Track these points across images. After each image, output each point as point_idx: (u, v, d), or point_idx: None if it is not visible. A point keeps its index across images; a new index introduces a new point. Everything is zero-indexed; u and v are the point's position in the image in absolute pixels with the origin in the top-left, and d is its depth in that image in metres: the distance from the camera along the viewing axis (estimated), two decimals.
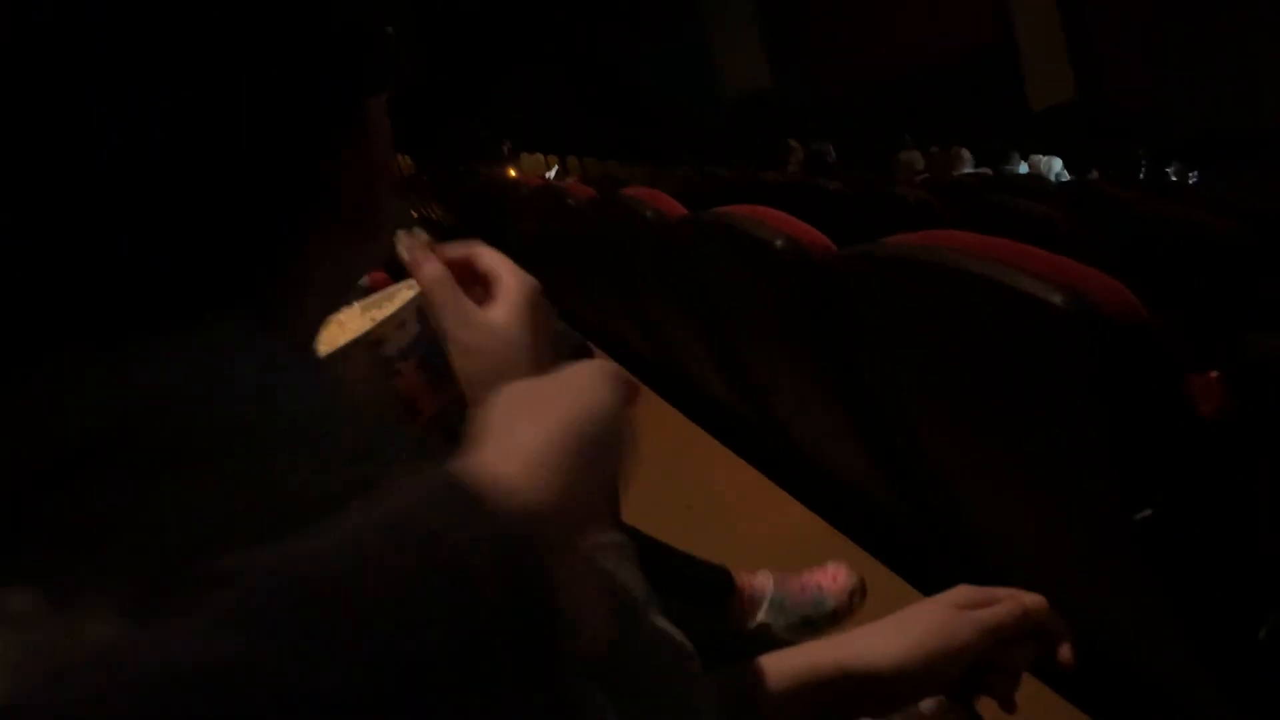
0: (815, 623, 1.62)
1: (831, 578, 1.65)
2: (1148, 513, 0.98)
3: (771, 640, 1.10)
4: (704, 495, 2.13)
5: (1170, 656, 1.15)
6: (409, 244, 0.67)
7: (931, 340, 1.25)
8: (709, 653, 0.67)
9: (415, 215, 8.43)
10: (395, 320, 0.71)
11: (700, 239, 1.94)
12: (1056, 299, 0.99)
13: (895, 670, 0.64)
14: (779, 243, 1.55)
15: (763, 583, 1.63)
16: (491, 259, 0.65)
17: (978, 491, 1.38)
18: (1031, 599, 0.68)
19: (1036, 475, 1.18)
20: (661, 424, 2.61)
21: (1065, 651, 0.68)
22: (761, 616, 1.62)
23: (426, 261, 0.64)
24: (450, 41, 11.51)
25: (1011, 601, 0.67)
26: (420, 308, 0.84)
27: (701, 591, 1.58)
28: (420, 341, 0.73)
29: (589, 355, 1.54)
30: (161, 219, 0.40)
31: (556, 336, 0.66)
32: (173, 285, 0.41)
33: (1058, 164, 7.33)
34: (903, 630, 0.66)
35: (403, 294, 0.77)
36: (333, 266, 0.48)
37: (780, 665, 0.64)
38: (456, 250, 0.65)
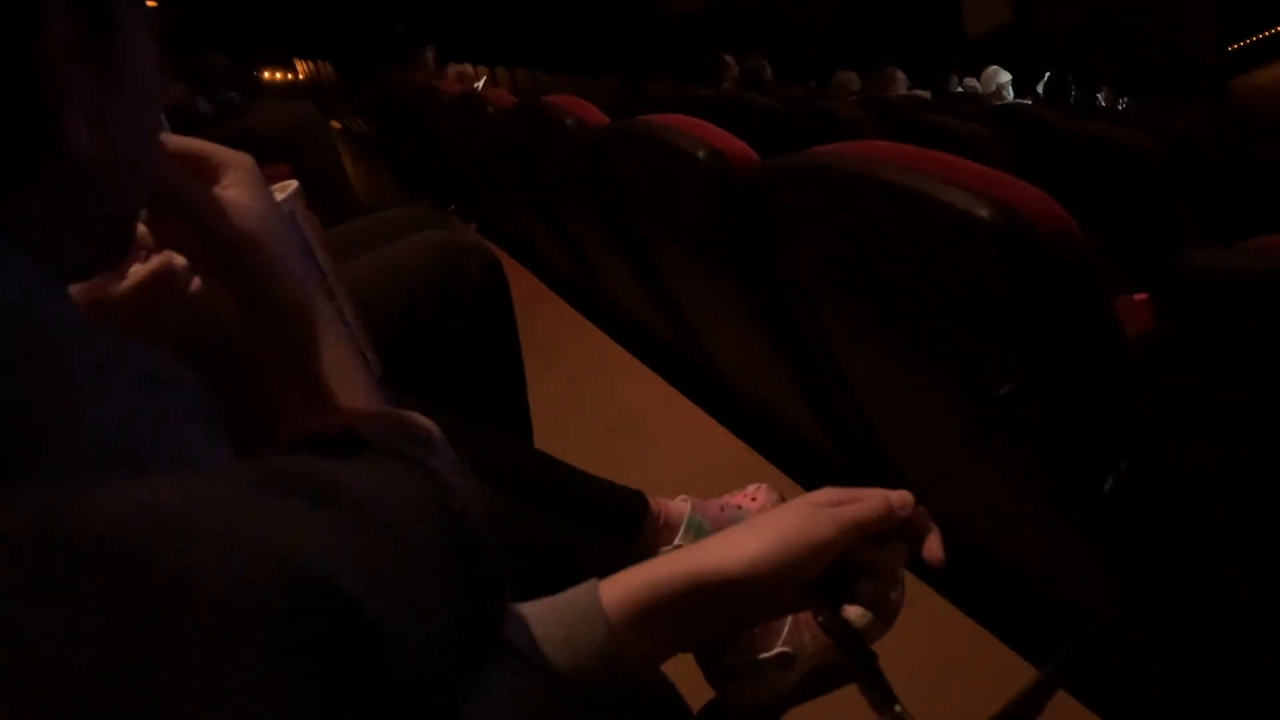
0: None
1: (750, 497, 1.63)
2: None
3: None
4: (625, 417, 2.08)
5: (1089, 584, 1.14)
6: None
7: (854, 255, 1.20)
8: None
9: (338, 126, 8.15)
10: None
11: (621, 148, 1.85)
12: (983, 212, 0.94)
13: (749, 571, 0.59)
14: (700, 153, 1.48)
15: (679, 507, 1.60)
16: (189, 141, 0.58)
17: (897, 409, 1.35)
18: (897, 495, 0.65)
19: (957, 392, 1.15)
20: (582, 342, 2.55)
21: (933, 545, 0.65)
22: (679, 540, 1.59)
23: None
24: None
25: (875, 498, 0.64)
26: (293, 212, 0.75)
27: (616, 518, 1.54)
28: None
29: (498, 270, 1.46)
30: None
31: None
32: None
33: (1004, 75, 7.36)
34: (757, 531, 0.62)
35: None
36: (60, 213, 0.41)
37: (631, 581, 0.60)
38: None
